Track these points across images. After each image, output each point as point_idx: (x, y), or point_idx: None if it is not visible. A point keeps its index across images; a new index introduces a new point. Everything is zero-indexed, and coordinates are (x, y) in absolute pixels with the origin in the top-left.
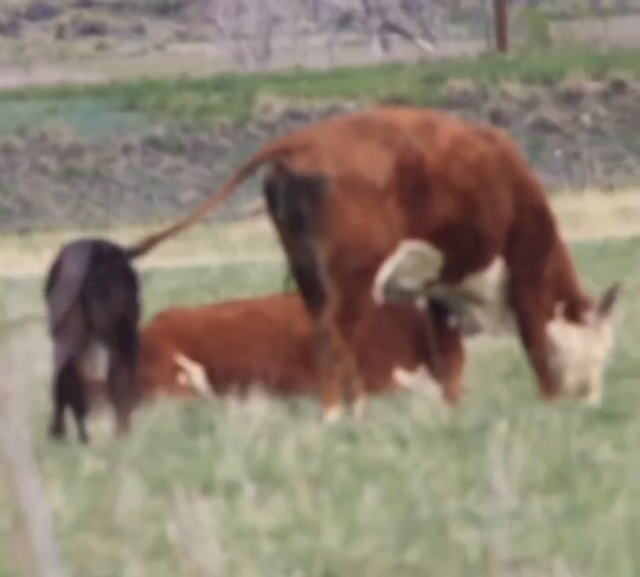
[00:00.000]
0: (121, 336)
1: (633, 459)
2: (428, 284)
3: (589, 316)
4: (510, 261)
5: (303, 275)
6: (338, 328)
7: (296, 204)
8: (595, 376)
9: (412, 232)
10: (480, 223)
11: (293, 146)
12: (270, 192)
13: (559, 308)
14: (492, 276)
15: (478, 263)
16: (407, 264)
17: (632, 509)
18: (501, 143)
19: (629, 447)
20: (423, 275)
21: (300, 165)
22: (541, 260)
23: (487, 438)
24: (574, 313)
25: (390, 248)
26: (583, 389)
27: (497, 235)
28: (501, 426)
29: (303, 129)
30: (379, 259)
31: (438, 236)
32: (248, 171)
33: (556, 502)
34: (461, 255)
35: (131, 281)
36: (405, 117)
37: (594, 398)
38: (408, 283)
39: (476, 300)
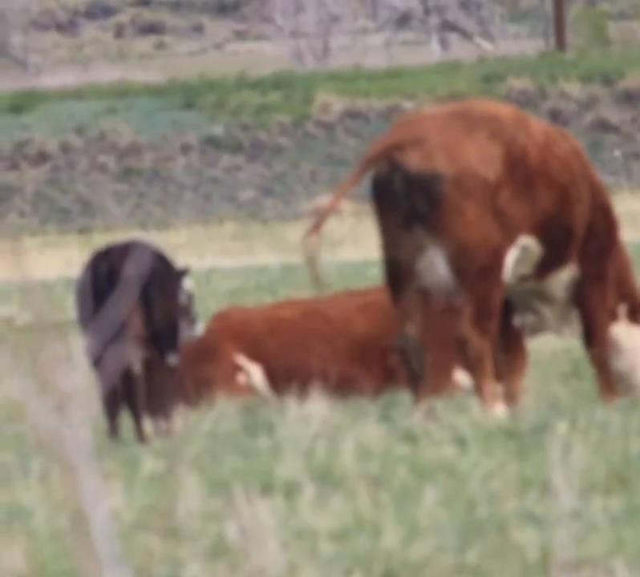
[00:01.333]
0: (170, 338)
1: None
2: (522, 279)
3: None
4: (581, 259)
5: (402, 274)
6: (476, 330)
7: (411, 202)
8: None
9: (524, 226)
10: (571, 219)
11: (406, 142)
12: (381, 189)
13: (622, 308)
14: (567, 274)
15: (563, 259)
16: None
17: None
18: (574, 141)
19: None
20: (521, 269)
21: (414, 162)
22: (607, 259)
23: (546, 439)
24: (636, 315)
25: (510, 243)
26: None
27: (580, 232)
28: (561, 427)
29: (409, 122)
30: (502, 255)
31: (541, 231)
32: (367, 167)
33: (616, 502)
34: (555, 250)
35: (176, 284)
36: (503, 109)
37: None
38: (507, 277)
39: (547, 298)
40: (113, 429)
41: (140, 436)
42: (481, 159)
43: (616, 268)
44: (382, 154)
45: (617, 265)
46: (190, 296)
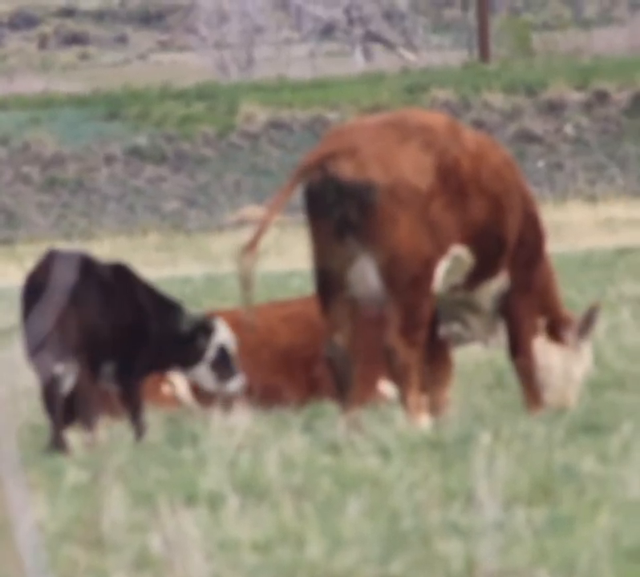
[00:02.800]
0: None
1: (616, 471)
2: (452, 289)
3: (569, 335)
4: (510, 270)
5: (332, 283)
6: (403, 341)
7: (344, 212)
8: (572, 396)
9: (456, 236)
10: (503, 229)
11: (339, 152)
12: (313, 198)
13: (541, 322)
14: (496, 284)
15: (494, 269)
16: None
17: (615, 521)
18: (505, 151)
19: (612, 459)
20: (452, 279)
21: (347, 172)
22: (535, 270)
23: (470, 450)
24: (555, 330)
25: (442, 253)
26: (560, 409)
27: (511, 242)
28: (485, 438)
29: (342, 132)
30: (433, 265)
31: (473, 240)
32: (300, 178)
33: (539, 513)
34: (486, 260)
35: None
36: (436, 119)
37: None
38: (438, 287)
39: (476, 308)
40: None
41: (60, 446)
42: (414, 169)
43: (541, 280)
44: (315, 164)
45: (542, 277)
46: (224, 350)
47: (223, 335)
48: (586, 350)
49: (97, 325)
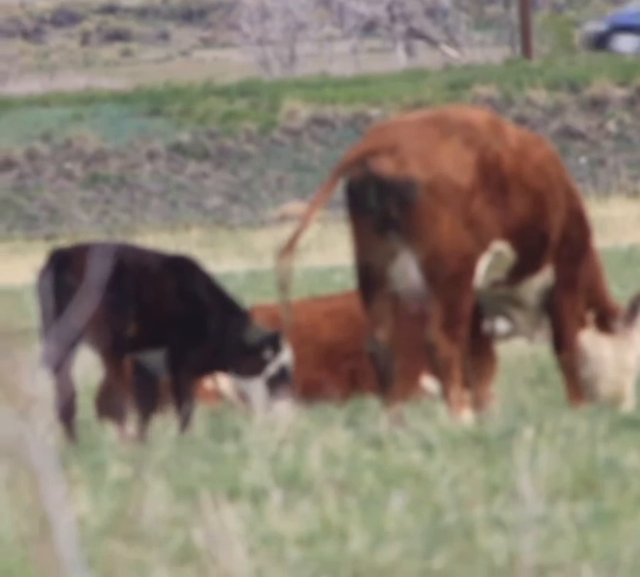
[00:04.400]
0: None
1: None
2: (494, 285)
3: (619, 324)
4: (554, 265)
5: (374, 279)
6: (445, 336)
7: (385, 208)
8: (628, 384)
9: (497, 232)
10: (546, 225)
11: (380, 148)
12: (354, 195)
13: (590, 316)
14: (540, 280)
15: (536, 265)
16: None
17: None
18: (550, 147)
19: None
20: (493, 275)
21: (388, 169)
22: (579, 265)
23: (513, 444)
24: (605, 322)
25: (483, 249)
26: (617, 398)
27: (554, 238)
28: (527, 432)
29: (383, 129)
30: (474, 261)
31: (515, 236)
32: (341, 174)
33: (582, 508)
34: (528, 256)
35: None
36: (478, 115)
37: (628, 406)
38: (479, 282)
39: (519, 303)
40: (71, 435)
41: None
42: (455, 165)
43: (588, 275)
44: (356, 161)
45: (589, 272)
46: (285, 370)
47: (288, 356)
48: (638, 338)
49: (129, 316)
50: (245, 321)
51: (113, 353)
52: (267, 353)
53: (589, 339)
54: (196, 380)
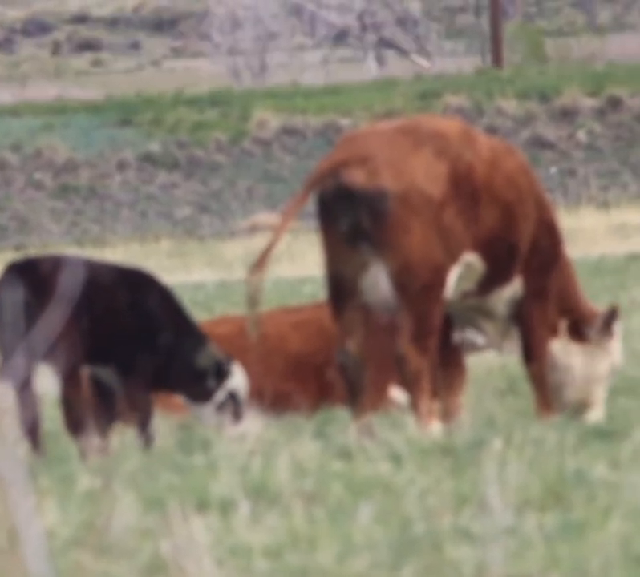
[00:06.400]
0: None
1: (627, 477)
2: (464, 296)
3: (592, 333)
4: (523, 276)
5: (344, 290)
6: (414, 347)
7: (356, 219)
8: (597, 393)
9: (468, 243)
10: (516, 236)
11: (351, 159)
12: (326, 205)
13: (562, 324)
14: (510, 291)
15: (507, 276)
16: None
17: (626, 527)
18: (521, 157)
19: (623, 465)
20: (463, 286)
21: (360, 179)
22: (549, 276)
23: (482, 455)
24: (578, 330)
25: (453, 260)
26: (583, 407)
27: (524, 248)
28: (496, 443)
29: (354, 139)
30: (444, 272)
31: (485, 247)
32: (314, 186)
33: (551, 519)
34: (498, 267)
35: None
36: (450, 125)
37: (595, 416)
38: (449, 294)
39: (489, 314)
40: (36, 449)
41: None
42: (427, 176)
43: (559, 284)
44: (328, 172)
45: (561, 281)
46: (234, 396)
47: (237, 381)
48: (613, 347)
49: (83, 330)
50: (199, 344)
51: (66, 367)
52: (211, 381)
53: (559, 347)
54: (149, 396)
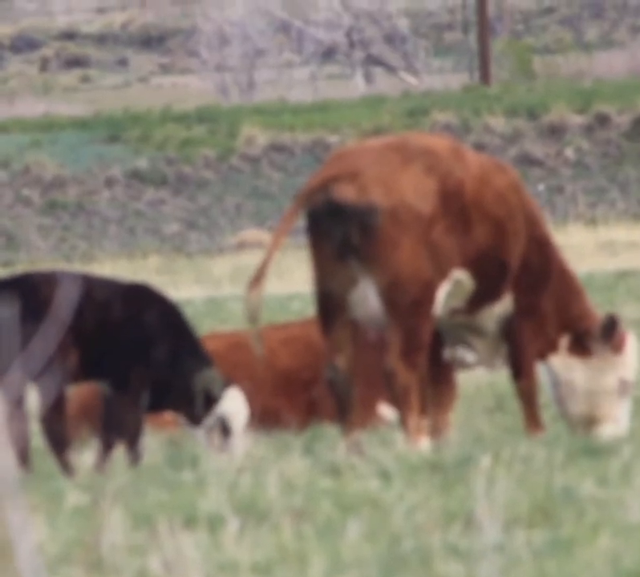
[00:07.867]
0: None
1: (616, 494)
2: (453, 313)
3: (595, 346)
4: (514, 293)
5: (334, 306)
6: (403, 363)
7: (345, 235)
8: (605, 408)
9: (457, 260)
10: (506, 253)
11: (341, 175)
12: (315, 221)
13: (564, 340)
14: (500, 308)
15: (496, 293)
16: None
17: (615, 543)
18: (512, 173)
19: (612, 482)
20: (452, 303)
21: (349, 195)
22: (540, 292)
23: (470, 472)
24: (584, 344)
25: (443, 277)
26: (591, 421)
27: (515, 265)
28: (485, 460)
29: (344, 155)
30: (433, 289)
31: (474, 264)
32: (304, 202)
33: (539, 536)
34: (487, 284)
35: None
36: (439, 142)
37: (611, 431)
38: (438, 310)
39: (479, 331)
40: (24, 465)
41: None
42: (417, 192)
43: (559, 299)
44: (318, 187)
45: (562, 295)
46: (224, 422)
47: (229, 407)
48: (621, 361)
49: (75, 347)
50: (196, 365)
51: (51, 387)
52: (200, 405)
53: (559, 362)
54: (140, 413)
